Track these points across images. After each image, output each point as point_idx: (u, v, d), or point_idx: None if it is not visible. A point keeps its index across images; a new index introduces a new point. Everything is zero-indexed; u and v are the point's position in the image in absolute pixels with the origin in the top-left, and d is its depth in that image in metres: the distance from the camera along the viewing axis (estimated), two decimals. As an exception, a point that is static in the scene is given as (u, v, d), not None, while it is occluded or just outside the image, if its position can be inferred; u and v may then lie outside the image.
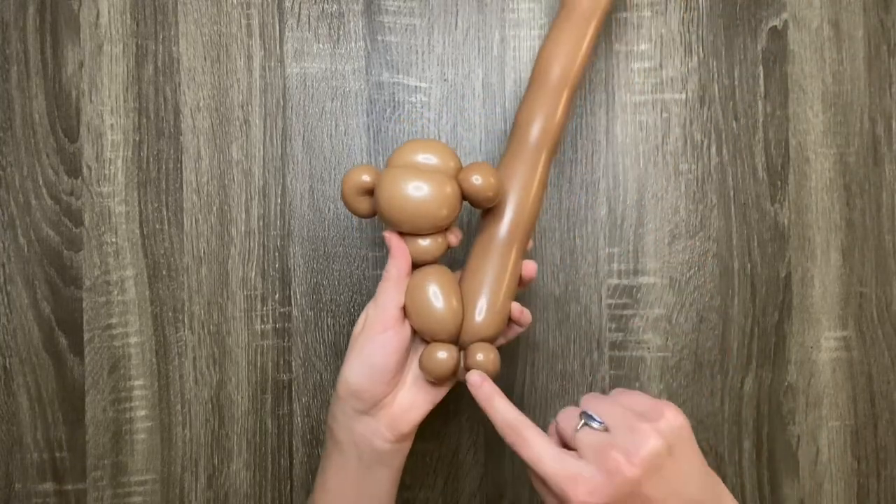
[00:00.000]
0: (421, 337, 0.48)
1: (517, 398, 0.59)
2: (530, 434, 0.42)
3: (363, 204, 0.48)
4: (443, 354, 0.47)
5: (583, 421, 0.42)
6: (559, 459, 0.41)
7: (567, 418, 0.43)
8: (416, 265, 0.48)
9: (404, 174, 0.46)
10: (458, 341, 0.48)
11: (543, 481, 0.41)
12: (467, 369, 0.47)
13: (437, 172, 0.47)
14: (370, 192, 0.48)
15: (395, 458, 0.48)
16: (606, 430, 0.41)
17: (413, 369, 0.48)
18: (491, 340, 0.48)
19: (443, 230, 0.48)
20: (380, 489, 0.48)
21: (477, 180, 0.47)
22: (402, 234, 0.48)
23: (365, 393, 0.46)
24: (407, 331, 0.47)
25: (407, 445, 0.48)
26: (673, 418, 0.41)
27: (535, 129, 0.50)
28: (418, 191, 0.46)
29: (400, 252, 0.47)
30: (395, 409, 0.47)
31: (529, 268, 0.49)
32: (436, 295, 0.47)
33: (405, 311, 0.47)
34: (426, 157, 0.47)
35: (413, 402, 0.47)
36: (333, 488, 0.48)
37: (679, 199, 0.59)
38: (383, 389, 0.46)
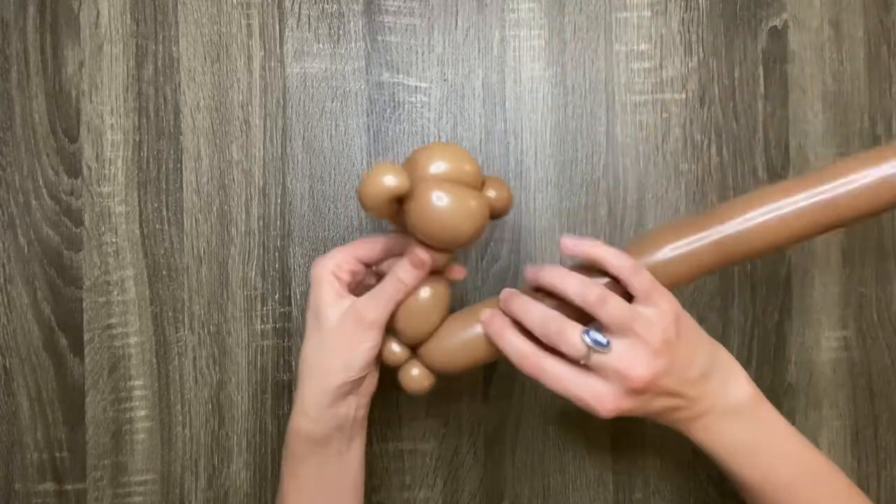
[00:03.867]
0: (393, 328, 0.49)
1: (518, 397, 0.59)
2: (548, 363, 0.45)
3: (386, 208, 0.45)
4: (396, 349, 0.49)
5: (590, 350, 0.44)
6: (581, 381, 0.44)
7: (568, 342, 0.44)
8: None
9: (449, 190, 0.44)
10: (415, 345, 0.50)
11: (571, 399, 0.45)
12: (401, 378, 0.50)
13: (470, 186, 0.45)
14: (398, 199, 0.45)
15: (366, 418, 0.50)
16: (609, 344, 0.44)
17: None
18: (433, 368, 0.50)
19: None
20: (358, 461, 0.50)
21: (492, 195, 0.47)
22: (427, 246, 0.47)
23: (351, 383, 0.47)
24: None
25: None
26: (668, 308, 0.44)
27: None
28: (461, 209, 0.44)
29: (425, 268, 0.47)
30: (371, 377, 0.49)
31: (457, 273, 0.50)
32: (429, 305, 0.48)
33: None
34: (457, 166, 0.45)
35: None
36: (312, 485, 0.49)
37: (679, 199, 0.59)
38: (366, 373, 0.48)
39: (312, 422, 0.47)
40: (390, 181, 0.43)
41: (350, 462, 0.49)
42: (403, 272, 0.47)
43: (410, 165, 0.45)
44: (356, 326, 0.46)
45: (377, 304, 0.47)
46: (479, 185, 0.46)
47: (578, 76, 0.59)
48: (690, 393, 0.45)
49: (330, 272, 0.47)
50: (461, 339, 0.49)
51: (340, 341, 0.47)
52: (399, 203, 0.45)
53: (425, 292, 0.48)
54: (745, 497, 0.48)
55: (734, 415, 0.46)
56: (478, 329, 0.49)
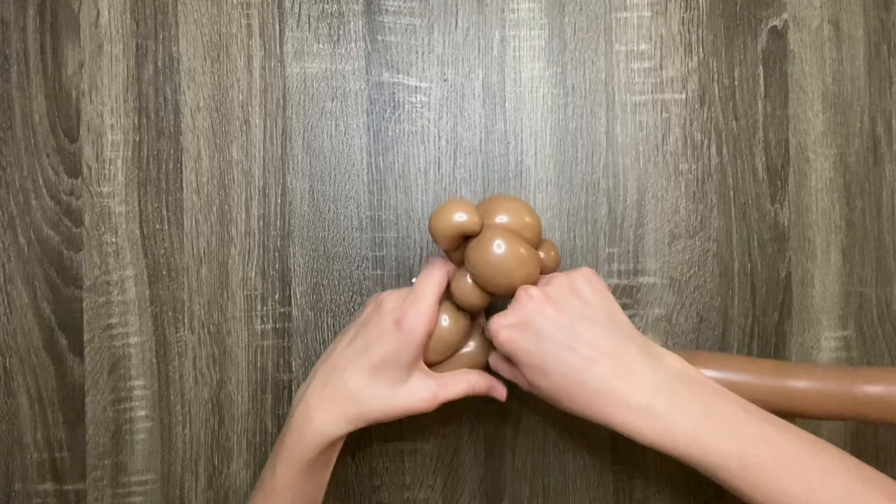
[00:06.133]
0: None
1: (519, 396, 0.59)
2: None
3: (453, 241, 0.48)
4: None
5: None
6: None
7: None
8: (461, 307, 0.51)
9: (508, 239, 0.47)
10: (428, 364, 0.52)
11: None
12: None
13: (529, 238, 0.49)
14: (464, 236, 0.48)
15: None
16: None
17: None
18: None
19: None
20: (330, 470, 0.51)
21: (541, 255, 0.50)
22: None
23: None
24: None
25: None
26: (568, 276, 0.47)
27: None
28: (523, 262, 0.47)
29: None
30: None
31: None
32: (451, 334, 0.51)
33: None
34: (518, 218, 0.49)
35: None
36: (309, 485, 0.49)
37: (679, 199, 0.59)
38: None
39: (329, 427, 0.48)
40: (460, 217, 0.46)
41: (328, 472, 0.51)
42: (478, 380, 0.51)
43: (483, 208, 0.49)
44: (429, 398, 0.48)
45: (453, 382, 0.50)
46: (538, 238, 0.50)
47: (578, 76, 0.59)
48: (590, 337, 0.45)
49: (427, 331, 0.48)
50: (465, 350, 0.52)
51: (403, 399, 0.48)
52: (465, 239, 0.48)
53: (445, 321, 0.50)
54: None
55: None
56: (477, 341, 0.52)
